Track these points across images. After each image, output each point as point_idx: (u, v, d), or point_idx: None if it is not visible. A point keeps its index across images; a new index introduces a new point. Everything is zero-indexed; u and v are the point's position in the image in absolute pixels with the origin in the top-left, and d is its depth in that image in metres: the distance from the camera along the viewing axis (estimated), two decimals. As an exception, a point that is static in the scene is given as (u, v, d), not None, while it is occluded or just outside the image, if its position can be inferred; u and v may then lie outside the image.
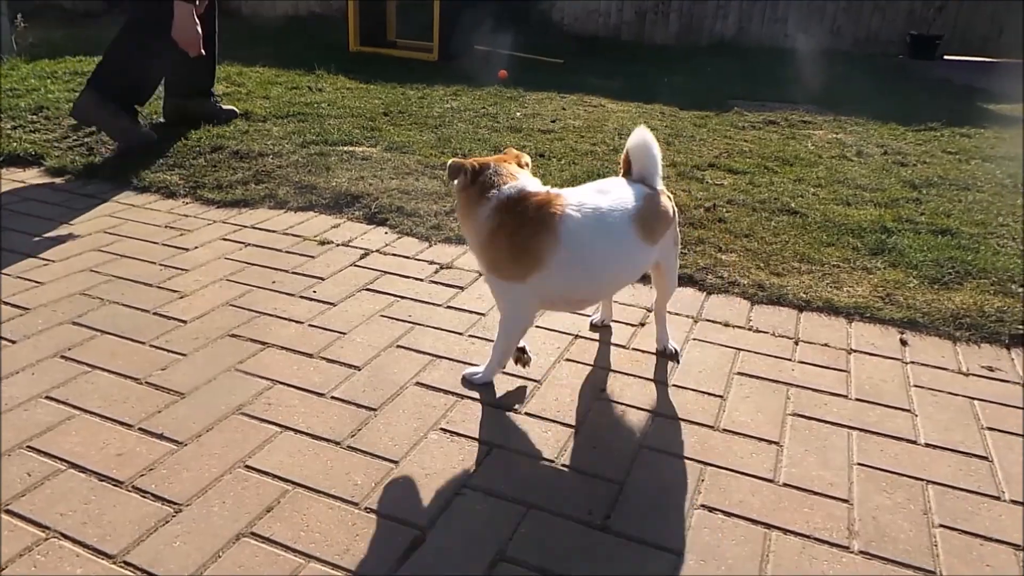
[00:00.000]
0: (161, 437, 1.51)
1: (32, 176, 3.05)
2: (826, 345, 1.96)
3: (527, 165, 1.71)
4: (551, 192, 1.60)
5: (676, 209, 1.76)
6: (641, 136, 1.69)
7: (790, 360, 1.88)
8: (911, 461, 1.52)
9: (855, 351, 1.93)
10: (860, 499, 1.41)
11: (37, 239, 2.44)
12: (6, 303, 2.01)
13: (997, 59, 6.75)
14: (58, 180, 3.02)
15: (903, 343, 1.97)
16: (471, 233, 1.63)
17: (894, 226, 2.70)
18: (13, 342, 1.83)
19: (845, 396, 1.74)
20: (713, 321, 2.06)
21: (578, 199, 1.59)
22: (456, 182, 1.62)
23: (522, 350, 1.75)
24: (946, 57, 6.67)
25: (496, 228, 1.55)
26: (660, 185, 1.72)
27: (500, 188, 1.57)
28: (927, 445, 1.57)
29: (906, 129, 4.30)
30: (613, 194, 1.63)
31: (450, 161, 1.61)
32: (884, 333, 2.03)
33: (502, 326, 1.67)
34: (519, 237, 1.54)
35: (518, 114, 4.24)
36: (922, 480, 1.46)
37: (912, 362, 1.89)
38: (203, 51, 3.20)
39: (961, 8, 6.86)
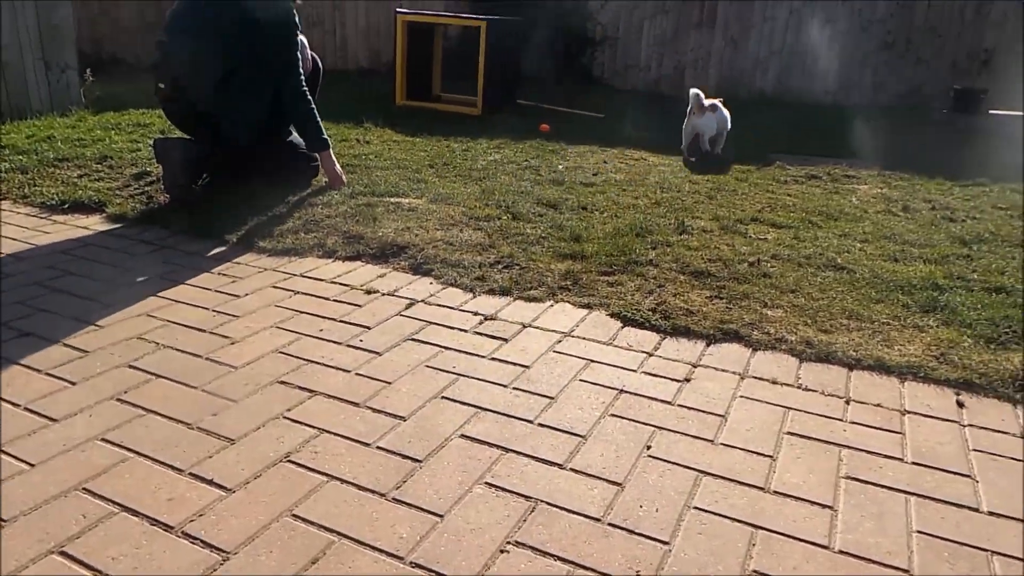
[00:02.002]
0: (211, 483, 1.54)
1: (94, 222, 3.18)
2: (879, 405, 1.91)
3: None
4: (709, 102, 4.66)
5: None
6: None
7: (841, 420, 1.84)
8: (974, 530, 1.46)
9: (909, 412, 1.88)
10: (921, 569, 1.35)
11: (97, 283, 2.54)
12: (67, 345, 2.08)
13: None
14: (118, 226, 3.15)
15: (960, 405, 1.92)
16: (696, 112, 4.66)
17: (946, 283, 2.64)
18: (73, 383, 1.89)
19: (901, 459, 1.68)
20: (760, 378, 2.03)
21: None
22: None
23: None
24: (992, 112, 6.59)
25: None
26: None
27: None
28: (990, 513, 1.51)
29: (953, 184, 4.24)
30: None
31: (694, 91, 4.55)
32: (939, 394, 1.97)
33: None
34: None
35: (560, 167, 4.30)
36: (987, 551, 1.40)
37: (970, 425, 1.83)
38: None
39: (1007, 62, 6.81)
